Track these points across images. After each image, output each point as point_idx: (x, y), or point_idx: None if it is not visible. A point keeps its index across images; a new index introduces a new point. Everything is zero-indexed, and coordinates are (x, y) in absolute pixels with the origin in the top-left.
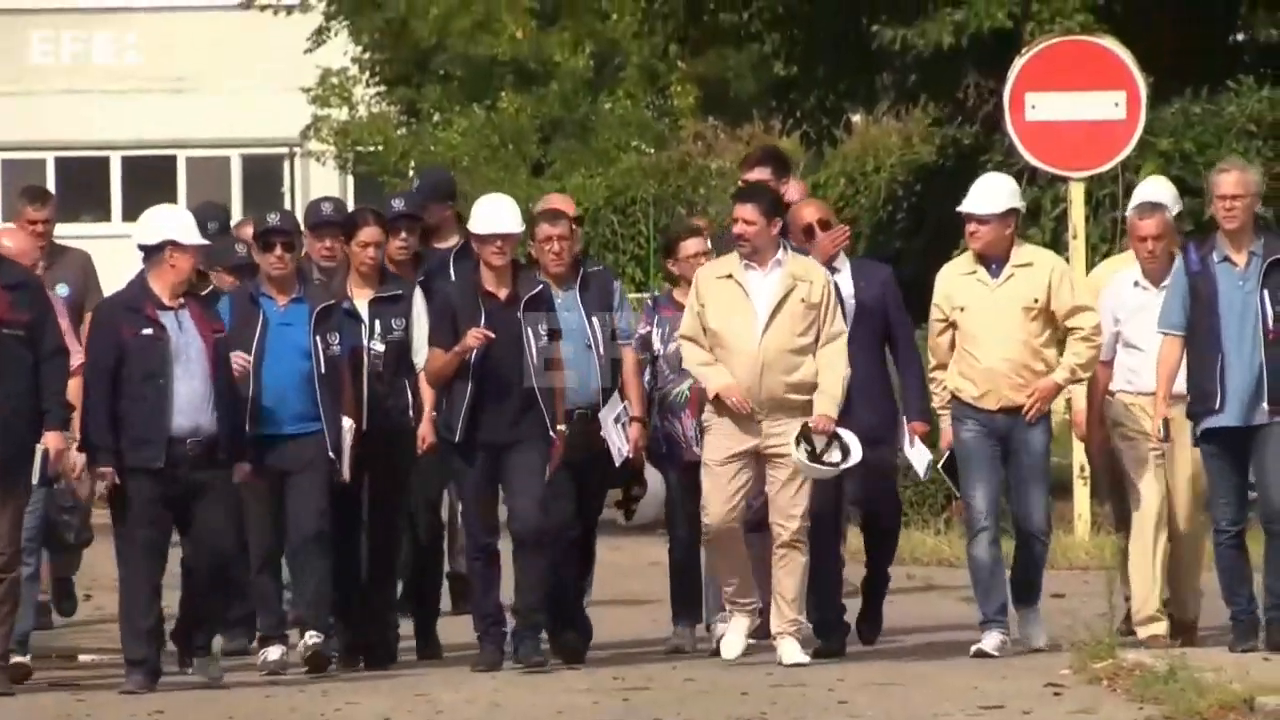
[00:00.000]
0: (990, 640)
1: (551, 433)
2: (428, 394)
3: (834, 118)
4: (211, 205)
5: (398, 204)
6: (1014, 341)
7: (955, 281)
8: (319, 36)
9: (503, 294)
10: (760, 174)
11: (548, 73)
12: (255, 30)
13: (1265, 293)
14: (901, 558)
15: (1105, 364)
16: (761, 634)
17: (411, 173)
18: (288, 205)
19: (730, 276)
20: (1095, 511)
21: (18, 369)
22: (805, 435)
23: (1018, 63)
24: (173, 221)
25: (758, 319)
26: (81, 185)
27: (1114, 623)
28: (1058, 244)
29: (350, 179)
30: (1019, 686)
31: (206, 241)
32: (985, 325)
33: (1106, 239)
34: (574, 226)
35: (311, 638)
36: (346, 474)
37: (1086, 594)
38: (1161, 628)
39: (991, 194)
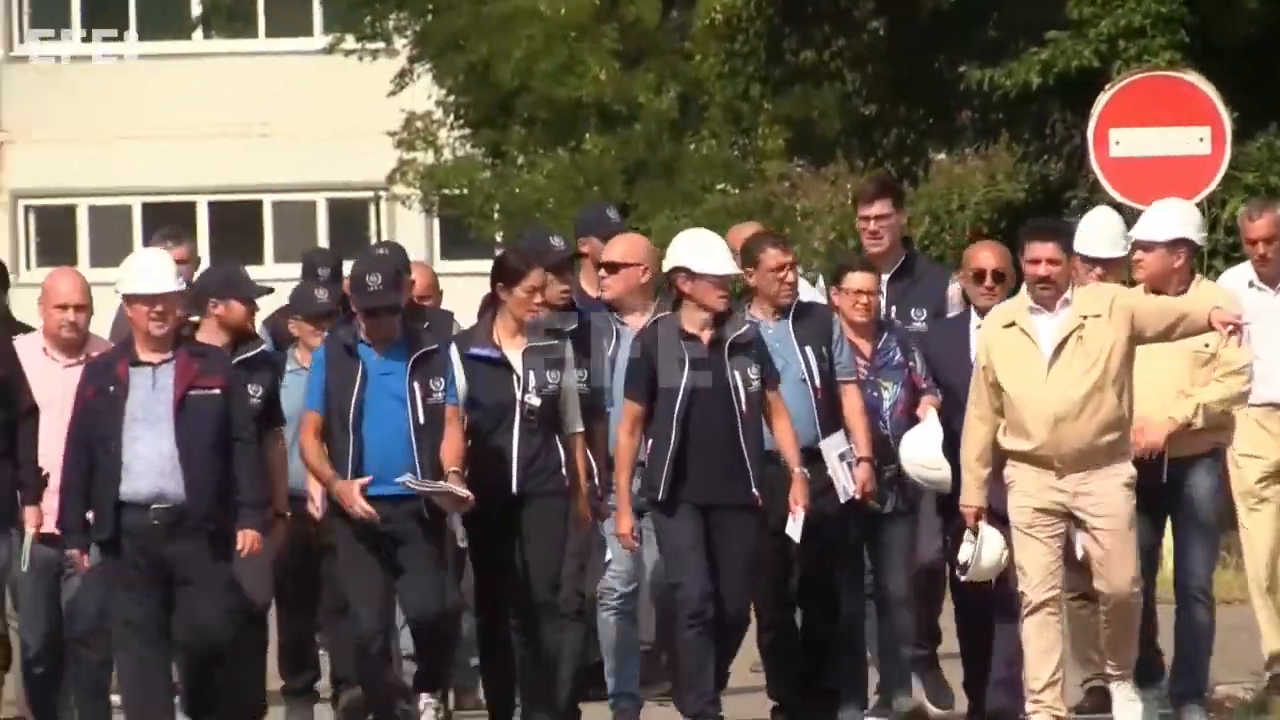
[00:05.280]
0: None
1: (754, 490)
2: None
3: (916, 156)
4: (321, 252)
5: (558, 242)
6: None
7: None
8: (402, 80)
9: (706, 336)
10: (881, 207)
11: (632, 114)
12: (339, 74)
13: None
14: None
15: None
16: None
17: (496, 215)
18: None
19: (1014, 325)
20: None
21: None
22: None
23: (1101, 99)
24: (124, 271)
25: (1041, 367)
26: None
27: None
28: None
29: (436, 222)
30: None
31: (167, 289)
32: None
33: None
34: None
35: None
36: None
37: None
38: None
39: (1162, 221)
